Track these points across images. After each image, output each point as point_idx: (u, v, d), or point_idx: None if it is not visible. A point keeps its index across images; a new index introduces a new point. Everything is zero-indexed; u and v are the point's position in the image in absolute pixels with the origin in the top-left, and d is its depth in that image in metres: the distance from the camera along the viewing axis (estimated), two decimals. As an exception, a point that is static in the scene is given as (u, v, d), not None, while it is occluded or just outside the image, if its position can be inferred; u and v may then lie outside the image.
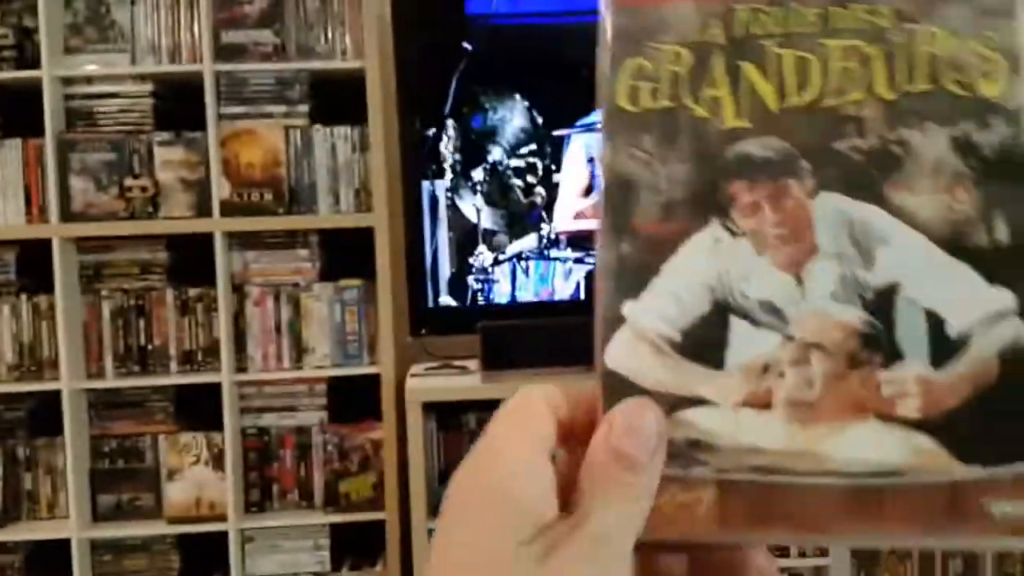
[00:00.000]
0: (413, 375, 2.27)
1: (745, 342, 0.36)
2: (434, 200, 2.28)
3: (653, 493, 0.34)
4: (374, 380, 2.25)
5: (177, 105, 2.30)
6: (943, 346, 0.35)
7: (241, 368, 2.26)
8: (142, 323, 2.25)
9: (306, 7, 2.25)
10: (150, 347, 2.26)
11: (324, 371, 2.27)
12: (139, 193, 2.22)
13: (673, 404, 0.36)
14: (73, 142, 2.21)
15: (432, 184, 2.28)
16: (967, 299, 0.35)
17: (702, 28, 0.38)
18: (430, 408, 2.18)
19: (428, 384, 2.19)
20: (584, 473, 0.34)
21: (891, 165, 0.36)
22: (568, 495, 0.34)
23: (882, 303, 0.35)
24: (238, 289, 2.26)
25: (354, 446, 2.26)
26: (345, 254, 2.33)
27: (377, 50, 2.23)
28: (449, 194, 2.27)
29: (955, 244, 0.35)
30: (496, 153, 2.29)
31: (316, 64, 2.25)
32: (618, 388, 0.36)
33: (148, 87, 2.25)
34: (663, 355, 0.37)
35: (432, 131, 2.26)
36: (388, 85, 2.26)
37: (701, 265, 0.37)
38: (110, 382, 2.24)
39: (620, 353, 0.37)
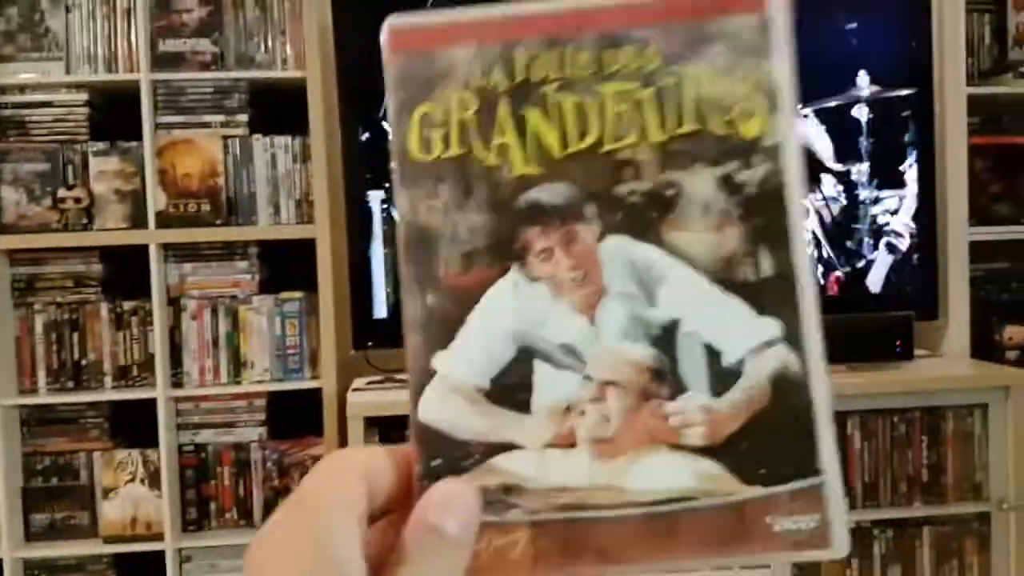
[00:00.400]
0: (355, 389, 2.23)
1: (549, 385, 0.38)
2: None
3: (467, 562, 0.35)
4: (315, 395, 2.20)
5: (113, 115, 2.25)
6: (721, 376, 0.37)
7: (177, 383, 2.21)
8: (76, 337, 2.20)
9: (246, 16, 2.22)
10: (84, 362, 2.20)
11: (263, 386, 2.22)
12: (73, 204, 2.17)
13: (487, 452, 0.37)
14: (5, 152, 2.16)
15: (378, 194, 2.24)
16: (739, 330, 0.37)
17: (485, 73, 0.38)
18: (373, 423, 2.14)
19: (371, 399, 2.15)
20: (402, 544, 0.34)
21: (666, 206, 0.38)
22: (383, 561, 0.35)
23: (666, 339, 0.37)
24: (175, 302, 2.21)
25: (294, 463, 2.21)
26: (286, 266, 2.28)
27: (319, 59, 2.20)
28: (384, 205, 2.24)
29: (726, 279, 0.37)
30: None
31: (256, 73, 2.21)
32: (432, 442, 0.37)
33: (83, 96, 2.20)
34: (475, 404, 0.38)
35: (374, 141, 2.23)
36: (330, 95, 2.23)
37: (504, 312, 0.38)
38: (43, 398, 2.18)
39: (433, 406, 0.38)
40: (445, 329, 0.38)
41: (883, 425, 2.18)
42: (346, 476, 0.35)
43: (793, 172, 0.37)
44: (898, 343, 2.22)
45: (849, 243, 2.34)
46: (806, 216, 0.38)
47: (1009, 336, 2.38)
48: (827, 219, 2.34)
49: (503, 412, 0.38)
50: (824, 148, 2.34)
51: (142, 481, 2.19)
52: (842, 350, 2.22)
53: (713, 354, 0.37)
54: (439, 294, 0.38)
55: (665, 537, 0.36)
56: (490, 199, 0.38)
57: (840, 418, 2.16)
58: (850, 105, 2.35)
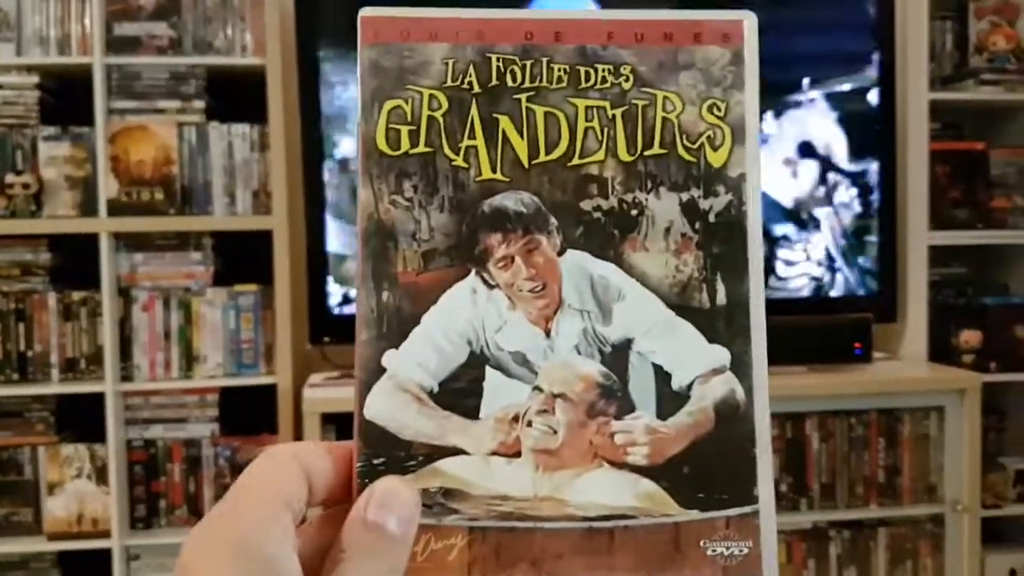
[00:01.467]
0: (312, 385, 2.19)
1: (498, 393, 0.38)
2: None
3: (406, 561, 0.35)
4: (270, 391, 2.16)
5: (65, 99, 2.18)
6: (668, 398, 0.38)
7: (127, 377, 2.15)
8: (22, 328, 2.13)
9: (205, 1, 2.16)
10: (30, 353, 2.13)
11: (216, 381, 2.17)
12: (21, 190, 2.10)
13: (430, 454, 0.37)
14: (-50, 135, 2.08)
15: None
16: (689, 355, 0.38)
17: (458, 73, 0.38)
18: (329, 420, 2.10)
19: (327, 395, 2.11)
20: (341, 541, 0.34)
21: (628, 225, 0.38)
22: (319, 557, 0.34)
23: (618, 357, 0.38)
24: (125, 293, 2.15)
25: (247, 459, 2.15)
26: (241, 258, 2.23)
27: (279, 47, 2.15)
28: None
29: (680, 303, 0.38)
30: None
31: (214, 60, 2.15)
32: (376, 440, 0.37)
33: (34, 79, 2.13)
34: (421, 405, 0.37)
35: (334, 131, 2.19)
36: (290, 83, 2.19)
37: (460, 316, 0.38)
38: (-14, 390, 2.11)
39: (380, 403, 0.37)
40: (398, 327, 0.37)
41: (841, 426, 2.19)
42: (281, 472, 0.34)
43: (754, 204, 0.38)
44: (857, 345, 2.23)
45: (810, 246, 2.35)
46: (763, 249, 0.39)
47: (965, 340, 2.40)
48: (789, 221, 2.34)
49: (450, 416, 0.37)
50: (787, 151, 2.35)
51: (89, 477, 2.13)
52: (802, 351, 2.23)
53: (662, 376, 0.38)
54: (395, 291, 0.38)
55: (602, 553, 0.36)
56: (454, 200, 0.38)
57: (798, 419, 2.16)
58: (812, 109, 2.36)
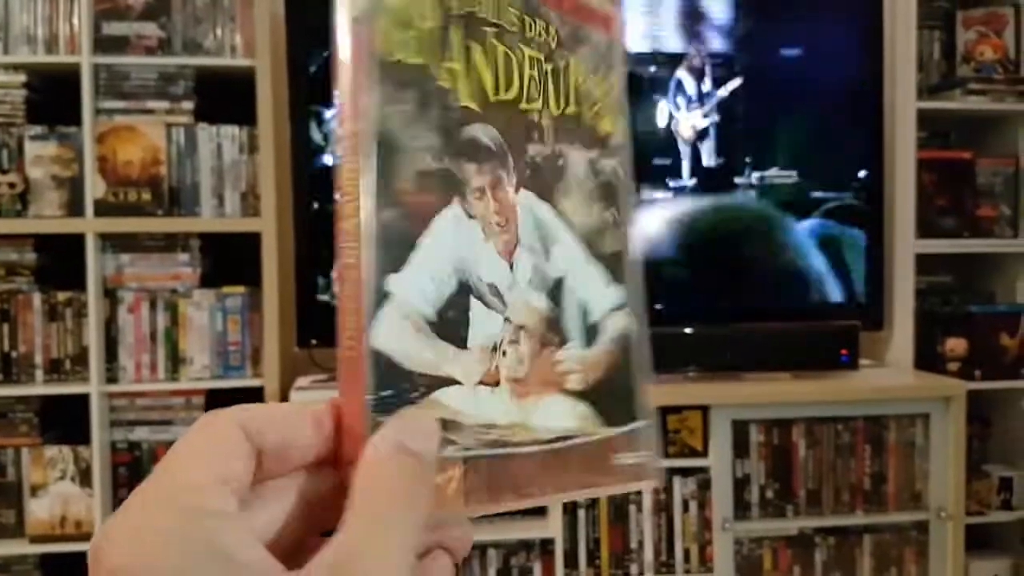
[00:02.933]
0: (298, 388, 2.18)
1: (480, 323, 0.39)
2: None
3: (434, 483, 0.34)
4: (257, 393, 2.15)
5: (52, 98, 2.17)
6: (589, 331, 0.42)
7: (112, 378, 2.13)
8: (6, 328, 2.11)
9: (195, 1, 2.15)
10: (14, 354, 2.11)
11: (202, 383, 2.16)
12: (7, 190, 2.08)
13: (431, 385, 0.36)
14: (-65, 133, 2.06)
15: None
16: (598, 294, 0.43)
17: None
18: (315, 423, 2.09)
19: (314, 397, 2.09)
20: (362, 472, 0.31)
21: (558, 174, 0.42)
22: (292, 534, 0.33)
23: (556, 292, 0.41)
24: (111, 294, 2.14)
25: (233, 462, 2.15)
26: (230, 260, 2.22)
27: (269, 48, 2.14)
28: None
29: (591, 248, 0.43)
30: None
31: (203, 60, 2.14)
32: (385, 371, 0.35)
33: (21, 78, 2.11)
34: (422, 334, 0.37)
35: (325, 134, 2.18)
36: (279, 85, 2.18)
37: (449, 243, 0.38)
38: (-31, 391, 2.09)
39: (386, 332, 0.35)
40: (400, 250, 0.36)
41: (827, 433, 2.19)
42: (215, 444, 0.31)
43: (626, 169, 0.44)
44: (844, 352, 2.24)
45: (798, 253, 2.36)
46: (634, 208, 0.44)
47: (951, 348, 2.42)
48: (778, 228, 2.35)
49: (445, 346, 0.37)
50: (773, 158, 2.35)
51: (72, 479, 2.11)
52: (789, 358, 2.24)
53: (584, 311, 0.42)
54: (396, 211, 0.36)
55: (559, 471, 0.40)
56: (441, 121, 0.37)
57: (785, 426, 2.17)
58: (801, 117, 2.37)
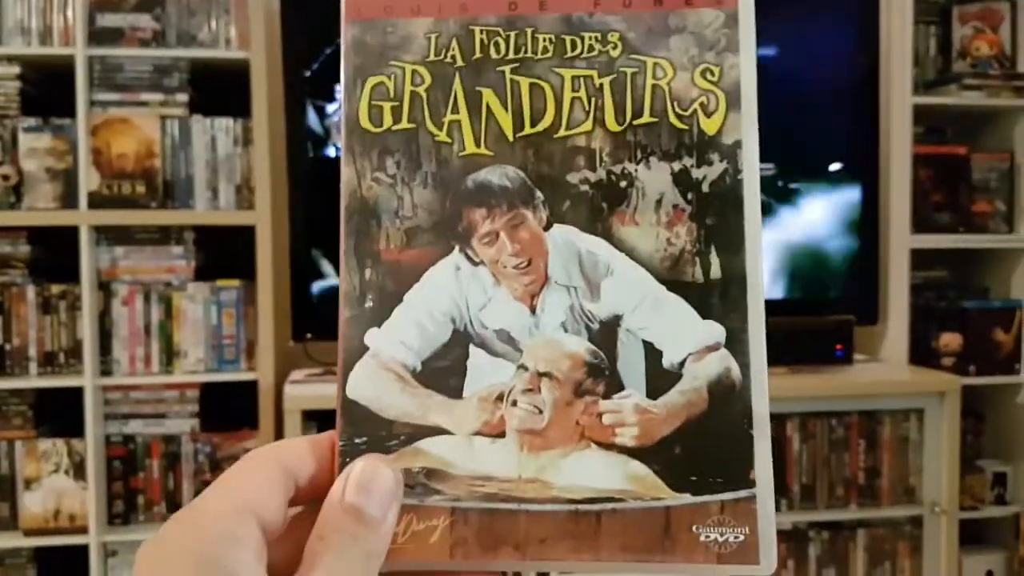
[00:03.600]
0: (293, 381, 2.18)
1: (482, 371, 0.37)
2: (320, 200, 2.20)
3: (387, 545, 0.34)
4: (251, 387, 2.14)
5: (46, 90, 2.16)
6: (659, 377, 0.36)
7: (106, 371, 2.13)
8: (0, 321, 2.10)
9: (189, -7, 2.14)
10: (8, 347, 2.11)
11: (197, 376, 2.15)
12: (1, 182, 2.07)
13: (413, 434, 0.36)
14: (-72, 125, 2.06)
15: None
16: (681, 332, 0.36)
17: (441, 47, 0.38)
18: (311, 417, 2.08)
19: (309, 391, 2.10)
20: (318, 527, 0.33)
21: (617, 198, 0.37)
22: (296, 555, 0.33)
23: (606, 334, 0.37)
24: (105, 287, 2.13)
25: (228, 456, 2.15)
26: (224, 253, 2.22)
27: (264, 40, 2.14)
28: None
29: (672, 278, 0.37)
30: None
31: (198, 52, 2.14)
32: (358, 419, 0.36)
33: (15, 70, 2.10)
34: (404, 384, 0.37)
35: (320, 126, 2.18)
36: (275, 77, 2.17)
37: (443, 293, 0.37)
38: (-38, 384, 2.09)
39: (362, 382, 0.37)
40: (381, 305, 0.37)
41: (822, 428, 2.19)
42: (255, 476, 0.33)
43: (751, 172, 0.36)
44: (838, 347, 2.24)
45: (793, 247, 2.36)
46: (762, 219, 0.37)
47: (945, 343, 2.42)
48: (773, 222, 2.35)
49: (433, 395, 0.37)
50: (769, 152, 2.35)
51: (66, 472, 2.11)
52: (784, 353, 2.24)
53: (653, 354, 0.37)
54: (378, 269, 0.37)
55: (588, 537, 0.35)
56: (437, 176, 0.37)
57: (779, 420, 2.17)
58: (797, 112, 2.37)
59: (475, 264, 0.37)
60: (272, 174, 2.15)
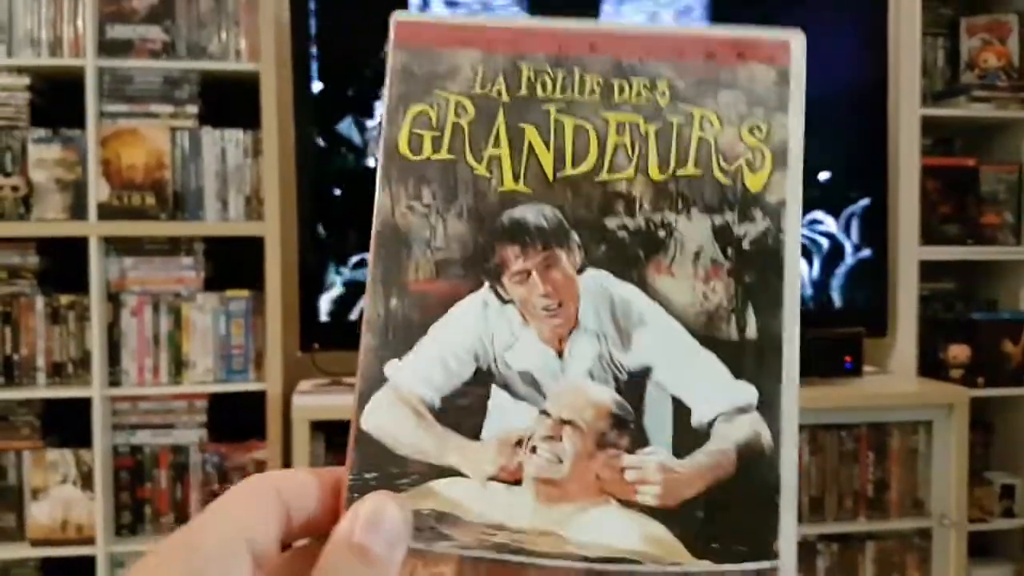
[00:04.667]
0: (301, 392, 2.17)
1: (503, 414, 0.36)
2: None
3: None
4: (259, 397, 2.14)
5: (56, 101, 2.17)
6: (686, 436, 0.35)
7: (115, 382, 2.13)
8: (8, 332, 2.10)
9: (199, 5, 2.15)
10: (16, 357, 2.11)
11: (205, 387, 2.15)
12: (10, 193, 2.08)
13: (426, 473, 0.35)
14: (-62, 135, 2.06)
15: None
16: (712, 390, 0.35)
17: (487, 81, 0.37)
18: (318, 427, 2.08)
19: (316, 402, 2.10)
20: (319, 568, 0.31)
21: (655, 247, 0.36)
22: None
23: (634, 386, 0.35)
24: (114, 298, 2.13)
25: (236, 466, 2.15)
26: (234, 264, 2.22)
27: (274, 52, 2.14)
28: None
29: (706, 334, 0.35)
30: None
31: (207, 64, 2.14)
32: (371, 452, 0.35)
33: (25, 81, 2.11)
34: (421, 420, 0.36)
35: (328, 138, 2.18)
36: (284, 89, 2.18)
37: (468, 329, 0.36)
38: (-29, 394, 2.09)
39: (378, 416, 0.36)
40: (405, 336, 0.36)
41: (830, 440, 2.19)
42: (251, 504, 0.32)
43: (793, 232, 0.36)
44: (847, 359, 2.24)
45: (802, 258, 2.35)
46: (799, 282, 0.36)
47: (954, 355, 2.41)
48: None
49: (450, 434, 0.35)
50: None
51: (74, 482, 2.11)
52: (793, 365, 2.23)
53: (682, 410, 0.35)
54: (404, 299, 0.36)
55: None
56: (473, 210, 0.37)
57: (789, 432, 2.16)
58: (805, 123, 2.36)
59: (504, 302, 0.36)
60: (281, 185, 2.16)
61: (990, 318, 2.47)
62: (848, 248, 2.37)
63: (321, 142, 2.19)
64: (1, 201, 2.08)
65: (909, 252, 2.39)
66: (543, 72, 0.37)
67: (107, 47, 2.11)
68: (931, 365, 2.41)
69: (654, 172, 0.37)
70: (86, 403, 2.09)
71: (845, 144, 2.38)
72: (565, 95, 0.37)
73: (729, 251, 0.36)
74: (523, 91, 0.37)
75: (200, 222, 2.14)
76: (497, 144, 0.37)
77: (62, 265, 2.15)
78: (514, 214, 0.37)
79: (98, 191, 2.09)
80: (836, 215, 2.37)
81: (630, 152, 0.37)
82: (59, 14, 2.11)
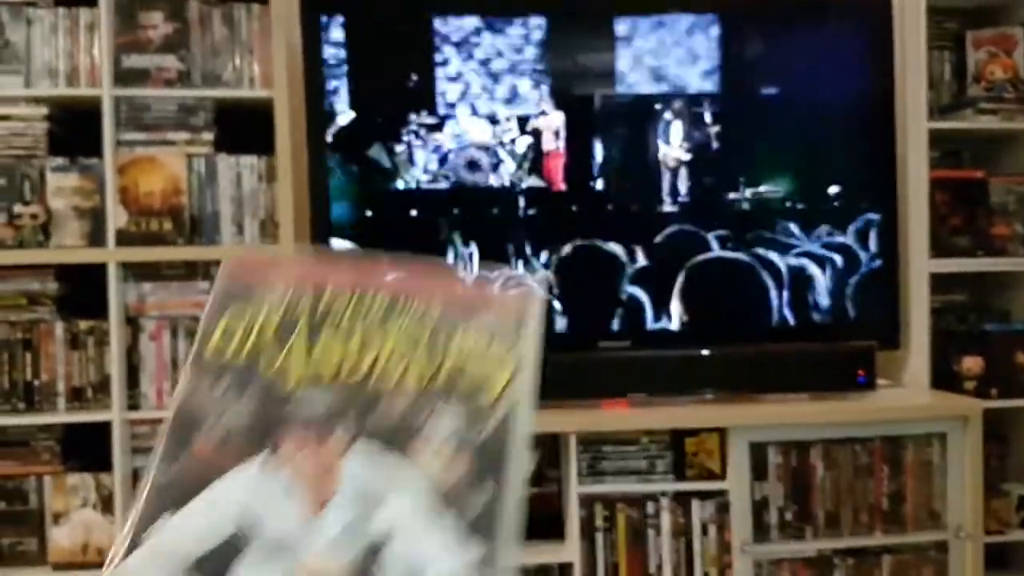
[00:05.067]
0: (317, 413, 2.20)
1: (254, 573, 0.40)
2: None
3: None
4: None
5: (74, 130, 2.20)
6: None
7: (133, 405, 2.15)
8: (28, 357, 2.13)
9: (213, 34, 2.19)
10: (37, 383, 2.14)
11: (223, 409, 2.18)
12: (29, 220, 2.11)
13: None
14: (-40, 166, 2.10)
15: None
16: (444, 553, 0.41)
17: (292, 304, 0.46)
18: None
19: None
20: None
21: (414, 430, 0.43)
22: None
23: (375, 551, 0.41)
24: (133, 322, 2.16)
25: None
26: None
27: (286, 79, 2.17)
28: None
29: (446, 503, 0.42)
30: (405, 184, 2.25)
31: (222, 92, 2.18)
32: None
33: (43, 111, 2.15)
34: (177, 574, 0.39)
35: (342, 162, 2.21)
36: (297, 115, 2.21)
37: (236, 495, 0.41)
38: (-8, 420, 2.12)
39: (138, 566, 0.39)
40: (180, 496, 0.41)
41: (845, 454, 2.19)
42: None
43: (522, 429, 0.44)
44: (860, 373, 2.24)
45: (813, 273, 2.37)
46: (525, 465, 0.44)
47: (967, 367, 2.42)
48: (793, 248, 2.36)
49: None
50: (789, 179, 2.37)
51: (94, 506, 2.13)
52: (806, 379, 2.24)
53: (414, 573, 0.40)
54: (183, 465, 0.42)
55: None
56: (260, 398, 0.43)
57: (803, 447, 2.17)
58: (815, 138, 2.38)
59: (275, 471, 0.41)
60: (295, 209, 2.18)
61: (1003, 329, 2.47)
62: (859, 261, 2.38)
63: (334, 166, 2.21)
64: (21, 229, 2.11)
65: (920, 265, 2.40)
66: (339, 297, 0.46)
67: (123, 76, 2.15)
68: (944, 377, 2.41)
69: (421, 371, 0.45)
70: (106, 427, 2.11)
71: (854, 159, 2.39)
72: (356, 310, 0.45)
73: (471, 437, 0.43)
74: (323, 308, 0.45)
75: (216, 246, 2.17)
76: (291, 352, 0.44)
77: (81, 291, 2.18)
78: (295, 404, 0.43)
79: (116, 218, 2.12)
80: (846, 229, 2.38)
81: (404, 355, 0.45)
82: (76, 45, 2.15)
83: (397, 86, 2.24)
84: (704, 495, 2.14)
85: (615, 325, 2.29)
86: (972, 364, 2.42)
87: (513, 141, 2.26)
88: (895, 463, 2.21)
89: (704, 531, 2.14)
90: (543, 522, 2.17)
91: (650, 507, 2.13)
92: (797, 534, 2.17)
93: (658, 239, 2.30)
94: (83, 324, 2.15)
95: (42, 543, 2.14)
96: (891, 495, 2.20)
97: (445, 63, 2.24)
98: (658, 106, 2.32)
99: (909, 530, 2.21)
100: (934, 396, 2.34)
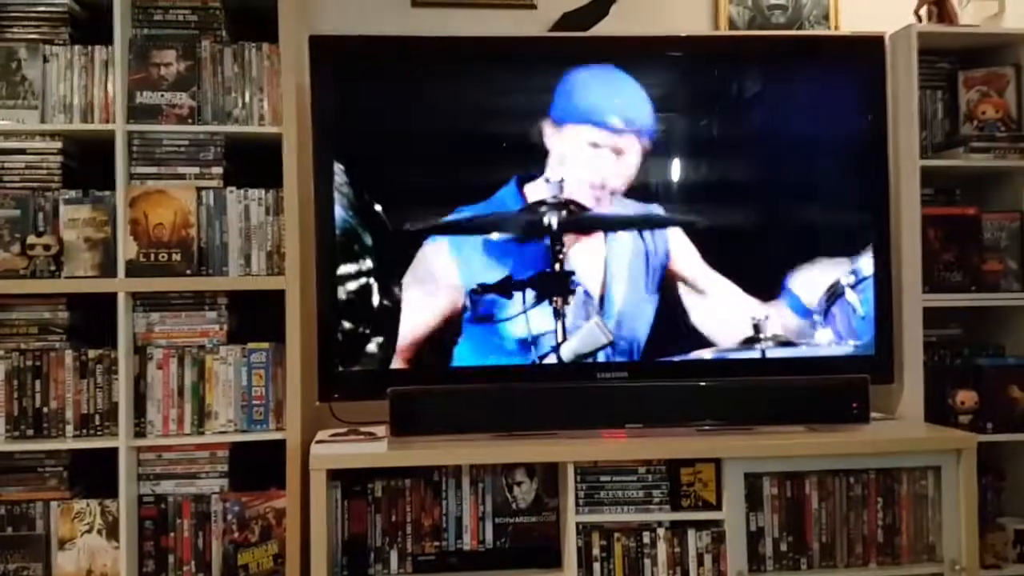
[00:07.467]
0: (319, 441, 2.23)
1: None
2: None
3: None
4: (279, 446, 2.20)
5: (87, 164, 2.27)
6: None
7: (140, 433, 2.20)
8: (38, 385, 2.18)
9: (224, 72, 2.26)
10: (46, 410, 2.18)
11: (227, 436, 2.22)
12: (42, 251, 2.17)
13: None
14: (-24, 197, 2.16)
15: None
16: None
17: None
18: (335, 475, 2.14)
19: (334, 451, 2.15)
20: None
21: None
22: None
23: None
24: (141, 351, 2.21)
25: (255, 515, 2.20)
26: (257, 317, 2.29)
27: (295, 116, 2.24)
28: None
29: None
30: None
31: (232, 128, 2.25)
32: None
33: (57, 144, 2.21)
34: None
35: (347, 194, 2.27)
36: (304, 150, 2.27)
37: None
38: (2, 445, 2.16)
39: None
40: None
41: (840, 486, 2.22)
42: None
43: None
44: (855, 406, 2.27)
45: (808, 307, 2.40)
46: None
47: (961, 400, 2.44)
48: (787, 283, 2.40)
49: None
50: (782, 215, 2.42)
51: (99, 532, 2.17)
52: (800, 412, 2.28)
53: None
54: None
55: None
56: None
57: (798, 478, 2.20)
58: (809, 176, 2.44)
59: None
60: (301, 241, 2.24)
61: (997, 364, 2.50)
62: (853, 296, 2.42)
63: (338, 201, 2.27)
64: (33, 259, 2.17)
65: (913, 299, 2.44)
66: None
67: (136, 112, 2.22)
68: (939, 411, 2.44)
69: None
70: (112, 453, 2.15)
71: (849, 196, 2.44)
72: None
73: None
74: None
75: (224, 277, 2.22)
76: None
77: (91, 320, 2.24)
78: None
79: (126, 249, 2.18)
80: (841, 264, 2.42)
81: None
82: (91, 81, 2.22)
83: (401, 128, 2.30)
84: (700, 525, 2.17)
85: (612, 356, 2.33)
86: (966, 398, 2.45)
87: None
88: (889, 495, 2.23)
89: (700, 561, 2.16)
90: (541, 551, 2.20)
91: (646, 537, 2.16)
92: (792, 565, 2.19)
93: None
94: (92, 352, 2.20)
95: (47, 568, 2.17)
96: (886, 527, 2.22)
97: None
98: (650, 144, 2.37)
99: (904, 563, 2.22)
100: (928, 429, 2.36)
